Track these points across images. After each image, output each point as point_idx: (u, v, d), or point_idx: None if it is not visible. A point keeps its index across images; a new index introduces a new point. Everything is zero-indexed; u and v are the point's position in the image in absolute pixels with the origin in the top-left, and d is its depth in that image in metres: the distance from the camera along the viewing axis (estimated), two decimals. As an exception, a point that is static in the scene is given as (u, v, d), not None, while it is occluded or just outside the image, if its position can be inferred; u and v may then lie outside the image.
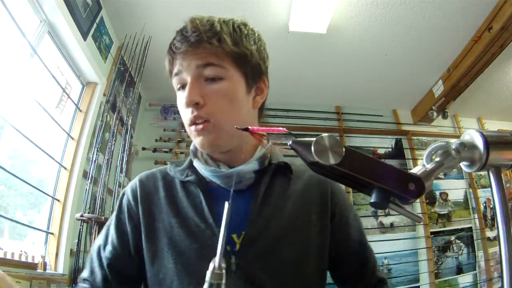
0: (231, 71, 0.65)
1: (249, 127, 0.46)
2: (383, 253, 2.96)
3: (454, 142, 0.45)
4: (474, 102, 3.48)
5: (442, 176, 3.28)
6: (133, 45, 2.43)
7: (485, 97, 3.42)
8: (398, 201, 0.42)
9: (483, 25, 2.48)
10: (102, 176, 2.09)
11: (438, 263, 3.11)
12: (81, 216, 1.86)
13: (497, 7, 2.33)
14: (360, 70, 3.05)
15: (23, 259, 1.52)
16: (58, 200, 1.93)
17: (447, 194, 3.36)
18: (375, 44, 2.70)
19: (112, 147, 2.22)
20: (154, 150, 3.04)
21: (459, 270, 3.14)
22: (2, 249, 1.41)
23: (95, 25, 2.18)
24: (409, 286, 2.98)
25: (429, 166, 0.44)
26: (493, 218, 3.28)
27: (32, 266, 1.56)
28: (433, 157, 0.46)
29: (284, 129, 0.49)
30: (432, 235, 3.16)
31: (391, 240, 3.06)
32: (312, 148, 0.40)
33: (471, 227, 3.30)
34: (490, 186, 0.44)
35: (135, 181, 0.76)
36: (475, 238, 3.26)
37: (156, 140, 3.13)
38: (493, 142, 0.44)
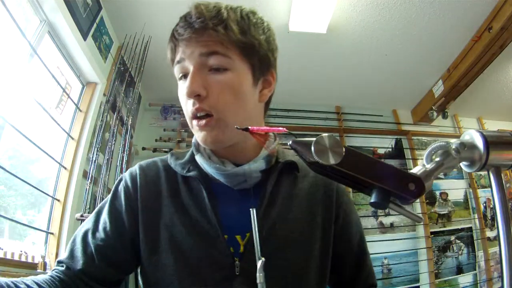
0: (237, 61, 0.61)
1: (249, 127, 0.45)
2: (383, 253, 2.96)
3: (454, 142, 0.45)
4: (474, 102, 3.48)
5: (442, 176, 3.28)
6: (133, 45, 2.43)
7: (485, 97, 3.42)
8: (398, 201, 0.42)
9: (483, 25, 2.48)
10: (102, 176, 2.09)
11: (438, 263, 3.11)
12: (81, 216, 1.86)
13: (497, 7, 2.33)
14: (360, 70, 3.05)
15: (23, 259, 1.52)
16: (58, 200, 1.93)
17: (447, 194, 3.36)
18: (375, 44, 2.70)
19: (112, 147, 2.22)
20: (154, 150, 3.04)
21: (459, 270, 3.15)
22: (2, 249, 1.41)
23: (95, 25, 2.18)
24: (409, 286, 2.98)
25: (429, 166, 0.44)
26: (493, 218, 3.28)
27: (32, 266, 1.56)
28: (433, 157, 0.46)
29: (284, 129, 0.49)
30: (432, 235, 3.16)
31: (391, 240, 3.06)
32: (312, 148, 0.40)
33: (471, 227, 3.30)
34: (490, 186, 0.44)
35: (135, 168, 0.72)
36: (475, 238, 3.27)
37: (156, 140, 3.13)
38: (493, 142, 0.44)
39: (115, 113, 2.36)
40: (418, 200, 3.08)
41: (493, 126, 3.73)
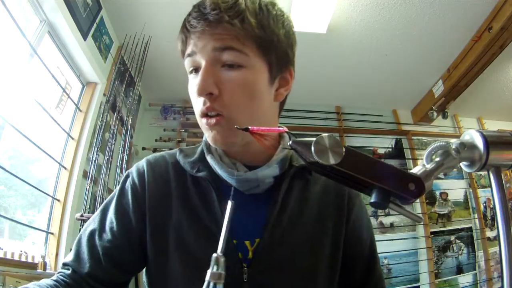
0: (253, 58, 0.56)
1: (249, 127, 0.44)
2: (383, 253, 2.96)
3: (454, 142, 0.45)
4: (474, 102, 3.47)
5: (442, 176, 3.28)
6: (133, 45, 2.43)
7: (485, 97, 3.42)
8: (398, 201, 0.42)
9: (483, 25, 2.47)
10: (102, 176, 2.09)
11: (438, 263, 3.11)
12: (81, 216, 1.86)
13: (497, 7, 2.33)
14: (360, 70, 3.04)
15: (23, 259, 1.52)
16: (58, 200, 1.93)
17: (447, 194, 3.36)
18: (375, 44, 2.70)
19: (112, 147, 2.22)
20: (154, 150, 3.04)
21: (459, 270, 3.15)
22: (2, 249, 1.41)
23: (95, 25, 2.18)
24: (409, 286, 2.98)
25: (429, 166, 0.44)
26: (493, 218, 3.28)
27: (32, 266, 1.56)
28: (433, 157, 0.46)
29: (285, 129, 0.48)
30: (432, 235, 3.16)
31: (391, 240, 3.06)
32: (312, 148, 0.40)
33: (471, 227, 3.30)
34: (490, 186, 0.44)
35: (142, 163, 0.68)
36: (475, 238, 3.26)
37: (156, 140, 3.13)
38: (493, 142, 0.44)
39: (115, 113, 2.36)
40: (418, 200, 3.08)
41: (493, 126, 3.72)
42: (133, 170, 0.68)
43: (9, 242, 1.60)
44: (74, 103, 2.15)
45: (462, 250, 3.22)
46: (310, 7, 2.25)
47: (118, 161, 2.34)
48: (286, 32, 0.61)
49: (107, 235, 0.62)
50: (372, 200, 0.41)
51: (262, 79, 0.58)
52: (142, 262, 0.64)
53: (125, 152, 2.37)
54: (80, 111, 2.19)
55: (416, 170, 0.44)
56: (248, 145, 0.61)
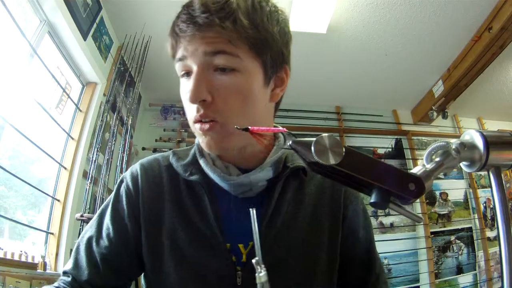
0: (246, 60, 0.54)
1: (249, 127, 0.44)
2: (383, 253, 2.96)
3: (454, 142, 0.45)
4: (474, 102, 3.48)
5: (442, 176, 3.27)
6: (133, 45, 2.43)
7: (485, 97, 3.42)
8: (398, 201, 0.42)
9: (483, 25, 2.48)
10: (102, 176, 2.09)
11: (438, 263, 3.11)
12: (81, 216, 1.86)
13: (497, 7, 2.33)
14: (360, 70, 3.05)
15: (23, 259, 1.52)
16: (58, 200, 1.93)
17: (447, 194, 3.36)
18: (375, 44, 2.70)
19: (112, 147, 2.22)
20: (154, 150, 3.04)
21: (459, 270, 3.15)
22: (2, 249, 1.41)
23: (95, 25, 2.18)
24: (409, 286, 2.98)
25: (429, 166, 0.44)
26: (493, 218, 3.28)
27: (32, 266, 1.56)
28: (433, 157, 0.46)
29: (284, 129, 0.48)
30: (432, 235, 3.16)
31: (391, 240, 3.06)
32: (312, 148, 0.40)
33: (471, 227, 3.30)
34: (490, 186, 0.44)
35: (135, 167, 0.68)
36: (475, 238, 3.27)
37: (156, 140, 3.14)
38: (493, 142, 0.44)
39: (115, 113, 2.36)
40: (418, 200, 3.07)
41: (493, 126, 3.73)
42: (127, 175, 0.68)
43: (9, 242, 1.60)
44: (74, 103, 2.15)
45: (462, 250, 3.22)
46: (310, 7, 2.25)
47: (118, 161, 2.34)
48: (281, 29, 0.59)
49: (104, 242, 0.62)
50: (372, 200, 0.41)
51: (256, 82, 0.56)
52: (140, 267, 0.64)
53: (125, 152, 2.37)
54: (80, 111, 2.19)
55: (416, 170, 0.44)
56: (244, 149, 0.60)
